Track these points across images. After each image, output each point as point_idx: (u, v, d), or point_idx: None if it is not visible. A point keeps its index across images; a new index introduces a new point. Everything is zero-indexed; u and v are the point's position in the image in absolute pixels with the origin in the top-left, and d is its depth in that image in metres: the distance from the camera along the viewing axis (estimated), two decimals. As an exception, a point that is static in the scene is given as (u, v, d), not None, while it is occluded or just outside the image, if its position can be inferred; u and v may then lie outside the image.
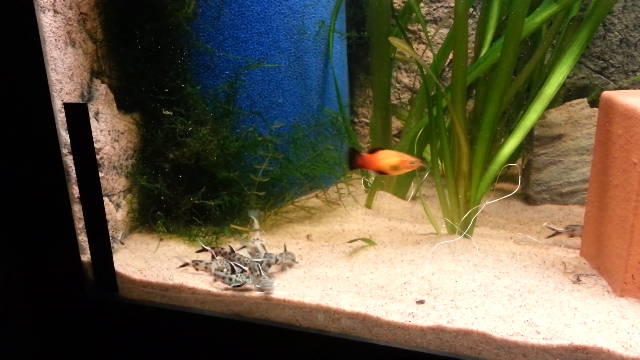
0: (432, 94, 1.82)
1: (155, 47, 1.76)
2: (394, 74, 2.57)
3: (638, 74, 2.24)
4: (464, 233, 1.75)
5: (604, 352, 1.22)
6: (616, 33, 2.23)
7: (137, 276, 1.61)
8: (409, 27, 2.51)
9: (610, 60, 2.26)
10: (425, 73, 1.85)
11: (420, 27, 2.45)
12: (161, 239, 1.80)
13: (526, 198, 2.14)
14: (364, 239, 1.80)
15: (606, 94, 1.53)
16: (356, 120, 2.65)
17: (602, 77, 2.29)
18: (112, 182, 1.75)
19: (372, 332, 1.40)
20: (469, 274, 1.55)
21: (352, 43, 2.42)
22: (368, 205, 2.10)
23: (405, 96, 2.54)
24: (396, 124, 2.57)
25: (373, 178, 2.16)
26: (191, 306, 1.56)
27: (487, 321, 1.33)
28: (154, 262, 1.69)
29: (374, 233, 1.89)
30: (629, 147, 1.38)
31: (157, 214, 1.81)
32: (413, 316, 1.38)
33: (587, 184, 1.83)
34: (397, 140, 2.47)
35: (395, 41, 1.67)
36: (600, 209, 1.55)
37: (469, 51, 2.43)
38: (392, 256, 1.70)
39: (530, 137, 2.08)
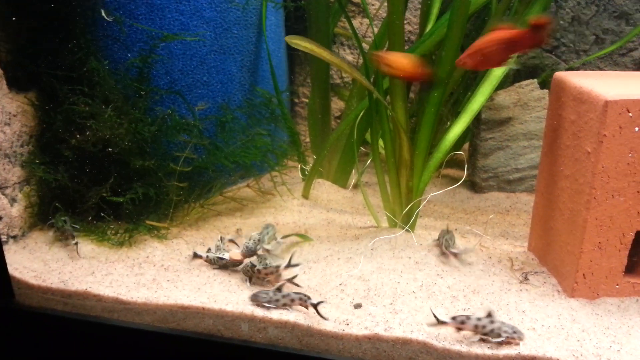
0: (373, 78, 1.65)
1: (53, 15, 1.51)
2: (336, 50, 2.38)
3: (590, 53, 2.14)
4: (406, 228, 1.61)
5: (553, 363, 1.12)
6: (568, 10, 2.12)
7: (35, 281, 1.43)
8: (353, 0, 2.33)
9: (562, 39, 2.15)
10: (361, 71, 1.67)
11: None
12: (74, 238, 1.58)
13: (473, 185, 2.02)
14: (298, 234, 1.66)
15: (558, 75, 1.40)
16: (296, 100, 2.46)
17: (552, 56, 2.18)
18: (5, 172, 1.52)
19: (303, 342, 1.28)
20: (409, 273, 1.42)
21: (291, 15, 2.21)
22: (305, 195, 1.94)
23: (348, 74, 2.37)
24: (339, 104, 2.40)
25: (311, 165, 1.99)
26: (98, 315, 1.40)
27: (428, 328, 1.21)
28: (55, 264, 1.49)
29: (310, 226, 1.73)
30: (582, 134, 1.26)
31: (59, 209, 1.58)
32: (347, 324, 1.26)
33: (536, 171, 1.73)
34: (339, 121, 2.30)
35: (294, 39, 1.47)
36: (549, 200, 1.43)
37: (415, 27, 2.28)
38: (329, 253, 1.55)
39: (477, 121, 1.95)
